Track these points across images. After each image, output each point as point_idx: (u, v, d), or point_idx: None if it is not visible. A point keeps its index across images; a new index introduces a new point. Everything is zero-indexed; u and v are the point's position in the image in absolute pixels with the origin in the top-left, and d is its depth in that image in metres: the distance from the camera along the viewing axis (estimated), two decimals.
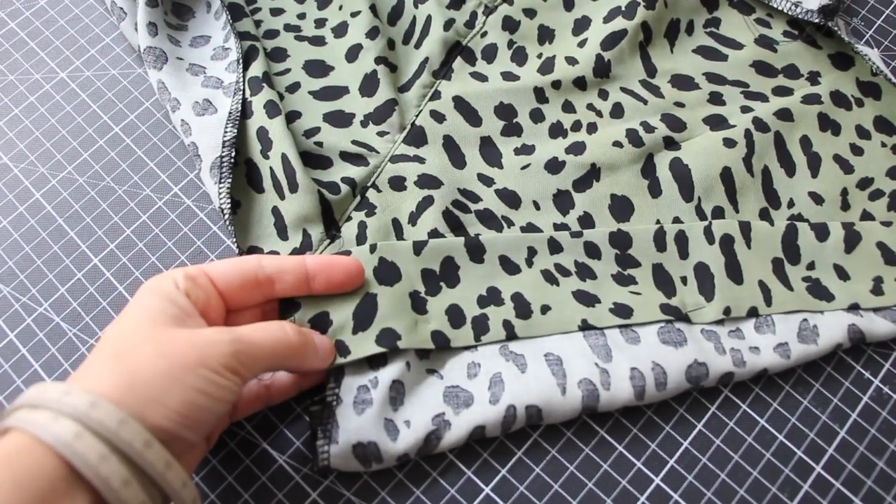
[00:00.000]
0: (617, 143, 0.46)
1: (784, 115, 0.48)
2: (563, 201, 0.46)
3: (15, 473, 0.27)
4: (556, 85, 0.49)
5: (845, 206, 0.47)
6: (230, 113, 0.45)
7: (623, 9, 0.51)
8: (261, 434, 0.41)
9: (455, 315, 0.41)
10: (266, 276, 0.38)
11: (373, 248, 0.41)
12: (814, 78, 0.51)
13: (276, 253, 0.43)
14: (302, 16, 0.52)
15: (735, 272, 0.43)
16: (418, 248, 0.42)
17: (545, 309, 0.42)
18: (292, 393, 0.41)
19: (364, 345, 0.39)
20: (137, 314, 0.33)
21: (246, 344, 0.33)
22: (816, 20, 0.50)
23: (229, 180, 0.43)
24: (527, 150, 0.47)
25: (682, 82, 0.50)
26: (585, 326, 0.41)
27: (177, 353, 0.31)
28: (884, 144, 0.49)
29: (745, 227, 0.44)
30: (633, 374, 0.40)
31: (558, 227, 0.45)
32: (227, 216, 0.43)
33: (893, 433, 0.42)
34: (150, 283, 0.35)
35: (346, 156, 0.46)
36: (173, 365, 0.31)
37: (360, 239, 0.43)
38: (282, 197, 0.44)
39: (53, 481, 0.28)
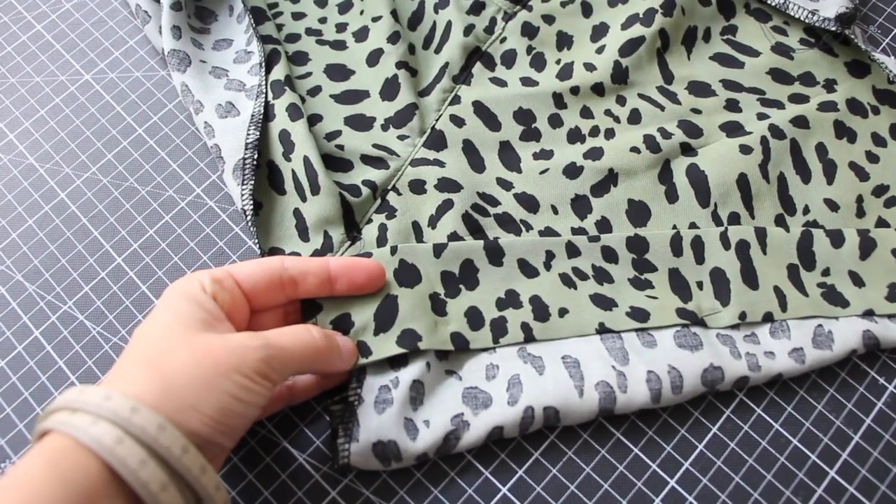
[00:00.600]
0: (634, 149, 0.47)
1: (800, 122, 0.48)
2: (580, 206, 0.46)
3: (60, 473, 0.28)
4: (575, 91, 0.50)
5: (860, 213, 0.47)
6: (253, 115, 0.45)
7: (641, 16, 0.51)
8: (281, 433, 0.42)
9: (474, 317, 0.42)
10: (290, 278, 0.38)
11: (393, 251, 0.42)
12: (830, 85, 0.51)
13: (298, 254, 0.44)
14: (323, 20, 0.53)
15: (751, 277, 0.44)
16: (438, 250, 0.43)
17: (563, 312, 0.42)
18: (314, 393, 0.41)
19: (385, 346, 0.40)
20: (167, 318, 0.34)
21: (276, 349, 0.34)
22: (833, 28, 0.50)
23: (252, 182, 0.44)
24: (545, 154, 0.48)
25: (699, 89, 0.51)
26: (602, 330, 0.42)
27: (210, 358, 0.32)
28: None
29: (761, 233, 0.45)
30: (650, 378, 0.40)
31: (576, 231, 0.45)
32: (249, 217, 0.43)
33: None
34: (176, 285, 0.36)
35: (366, 159, 0.47)
36: (208, 371, 0.32)
37: (381, 241, 0.44)
38: (303, 199, 0.44)
39: (95, 483, 0.29)
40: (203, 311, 0.34)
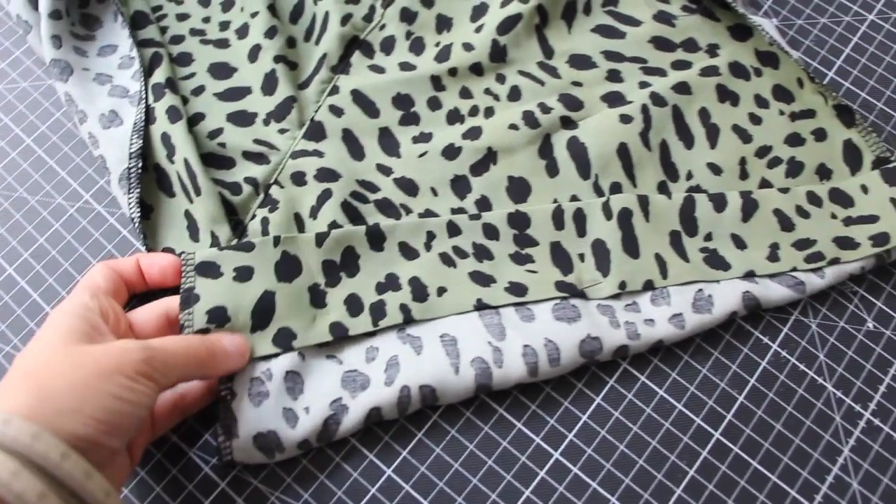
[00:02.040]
0: (513, 126, 0.47)
1: (682, 88, 0.49)
2: (460, 186, 0.46)
3: None
4: (453, 72, 0.50)
5: (744, 175, 0.47)
6: (135, 123, 0.45)
7: None
8: (172, 429, 0.42)
9: (353, 304, 0.42)
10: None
11: (276, 241, 0.42)
12: (713, 50, 0.51)
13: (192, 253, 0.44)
14: (207, 20, 0.53)
15: (632, 246, 0.44)
16: (320, 239, 0.43)
17: (441, 291, 0.43)
18: (208, 400, 0.41)
19: (261, 344, 0.40)
20: (48, 334, 0.34)
21: (157, 351, 0.35)
22: None
23: (138, 190, 0.44)
24: (424, 137, 0.48)
25: (580, 62, 0.51)
26: (480, 306, 0.42)
27: (91, 362, 0.32)
28: (782, 112, 0.49)
29: (644, 201, 0.45)
30: (526, 351, 0.41)
31: (455, 211, 0.46)
32: (136, 225, 0.43)
33: (790, 395, 0.43)
34: (60, 305, 0.36)
35: (248, 155, 0.47)
36: (88, 374, 0.32)
37: (264, 234, 0.44)
38: (190, 200, 0.45)
39: None
40: (86, 324, 0.35)
